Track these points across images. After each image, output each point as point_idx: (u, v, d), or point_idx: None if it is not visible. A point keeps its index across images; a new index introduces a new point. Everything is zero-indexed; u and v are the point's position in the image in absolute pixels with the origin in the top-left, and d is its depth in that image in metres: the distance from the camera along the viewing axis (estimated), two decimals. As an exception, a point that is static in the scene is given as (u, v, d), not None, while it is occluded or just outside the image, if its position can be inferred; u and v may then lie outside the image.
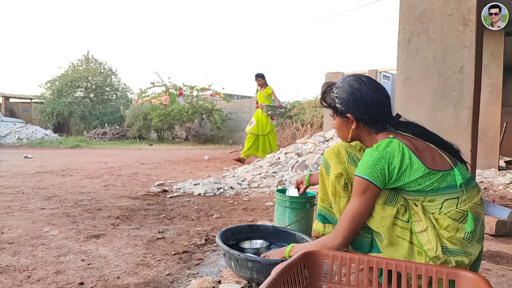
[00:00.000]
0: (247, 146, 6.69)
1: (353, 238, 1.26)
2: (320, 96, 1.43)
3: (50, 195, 3.44)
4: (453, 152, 1.29)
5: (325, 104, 1.40)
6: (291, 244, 1.49)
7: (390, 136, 1.25)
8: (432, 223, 1.18)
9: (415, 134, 1.28)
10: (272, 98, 7.00)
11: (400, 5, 2.68)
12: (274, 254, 1.52)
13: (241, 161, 6.53)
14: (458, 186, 1.17)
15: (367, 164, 1.20)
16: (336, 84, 1.35)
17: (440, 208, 1.19)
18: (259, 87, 6.85)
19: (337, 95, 1.32)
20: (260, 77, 6.74)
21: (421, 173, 1.17)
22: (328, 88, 1.38)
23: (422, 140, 1.27)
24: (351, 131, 1.33)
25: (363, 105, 1.27)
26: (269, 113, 6.72)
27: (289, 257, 1.42)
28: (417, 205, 1.20)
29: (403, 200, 1.22)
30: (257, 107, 6.83)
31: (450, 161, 1.22)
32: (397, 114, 1.33)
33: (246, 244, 1.82)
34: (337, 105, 1.32)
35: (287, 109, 7.19)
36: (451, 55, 2.47)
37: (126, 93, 19.99)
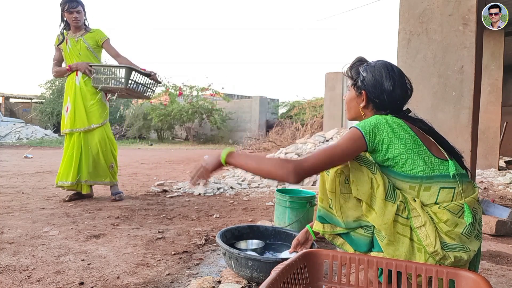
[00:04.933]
0: (68, 170, 3.15)
1: (317, 172, 1.23)
2: (349, 65, 1.47)
3: (50, 195, 3.43)
4: (456, 156, 1.31)
5: (349, 74, 1.46)
6: (227, 149, 1.33)
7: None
8: (430, 217, 1.19)
9: (422, 129, 1.32)
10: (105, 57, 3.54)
11: (400, 5, 2.68)
12: (210, 158, 1.37)
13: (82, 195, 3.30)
14: (451, 177, 1.20)
15: (364, 121, 1.27)
16: (368, 62, 1.42)
17: (437, 198, 1.20)
18: (67, 34, 3.27)
19: (363, 72, 1.38)
20: (79, 4, 3.20)
21: (414, 143, 1.21)
22: (358, 62, 1.45)
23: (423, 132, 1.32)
24: (359, 108, 1.41)
25: (380, 90, 1.34)
26: (111, 84, 3.21)
27: (225, 161, 1.29)
28: (415, 201, 1.21)
29: (402, 196, 1.23)
30: (70, 70, 3.24)
31: (446, 155, 1.26)
32: (407, 109, 1.40)
33: (242, 245, 1.83)
34: (358, 80, 1.39)
35: (152, 74, 3.29)
36: (451, 55, 2.48)
37: (126, 93, 19.95)
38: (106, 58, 3.84)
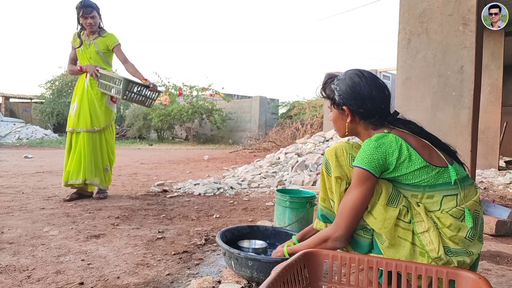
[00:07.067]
0: (78, 169, 3.22)
1: (353, 230, 1.26)
2: (321, 86, 1.43)
3: (50, 195, 3.43)
4: (450, 153, 1.30)
5: (324, 95, 1.41)
6: (287, 243, 1.49)
7: (385, 131, 1.27)
8: (434, 222, 1.18)
9: (413, 131, 1.29)
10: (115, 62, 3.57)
11: (400, 5, 2.68)
12: (275, 253, 1.53)
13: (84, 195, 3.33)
14: (452, 183, 1.19)
15: (365, 154, 1.22)
16: (338, 76, 1.37)
17: (440, 206, 1.19)
18: (82, 34, 3.36)
19: (336, 87, 1.34)
20: (94, 9, 3.28)
21: (419, 165, 1.18)
22: (329, 79, 1.40)
23: (419, 138, 1.29)
24: (346, 124, 1.36)
25: (360, 99, 1.29)
26: (112, 91, 3.25)
27: (289, 255, 1.43)
28: (419, 206, 1.21)
29: (405, 200, 1.22)
30: (80, 70, 3.35)
31: (446, 159, 1.24)
32: (395, 111, 1.35)
33: (245, 243, 1.83)
34: (336, 97, 1.34)
35: (151, 86, 3.35)
36: (451, 55, 2.48)
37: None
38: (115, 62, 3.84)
